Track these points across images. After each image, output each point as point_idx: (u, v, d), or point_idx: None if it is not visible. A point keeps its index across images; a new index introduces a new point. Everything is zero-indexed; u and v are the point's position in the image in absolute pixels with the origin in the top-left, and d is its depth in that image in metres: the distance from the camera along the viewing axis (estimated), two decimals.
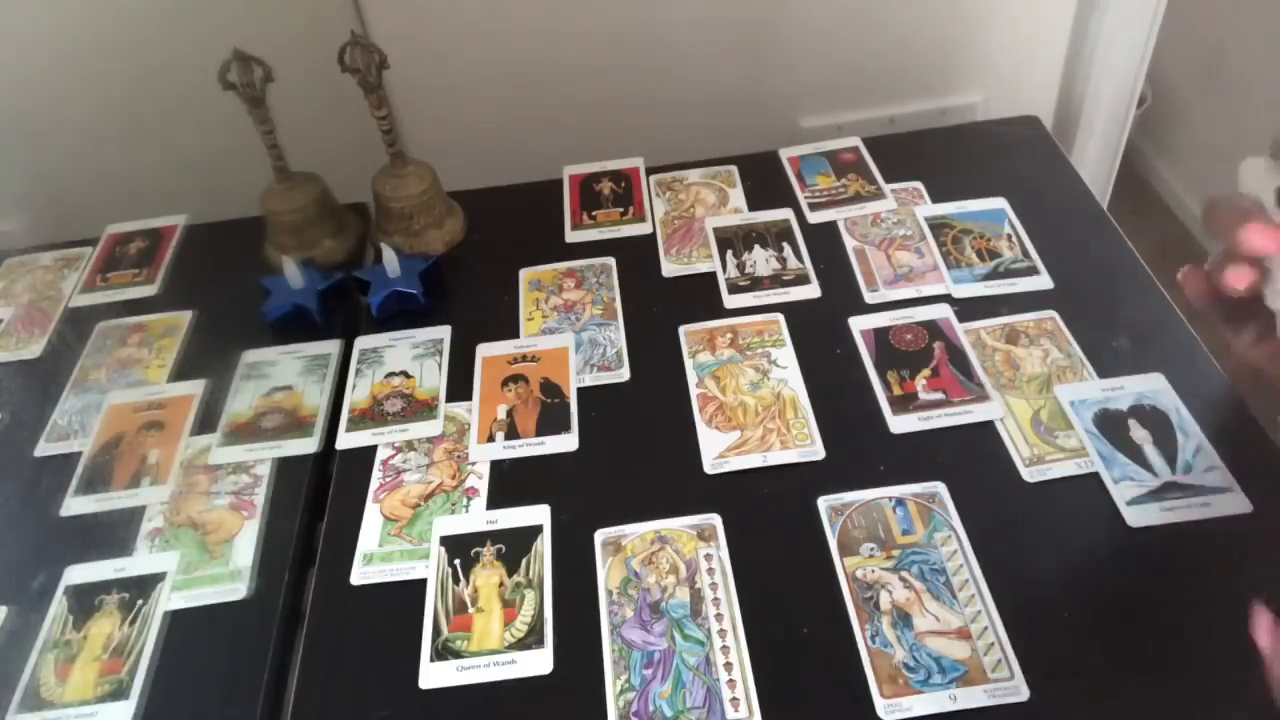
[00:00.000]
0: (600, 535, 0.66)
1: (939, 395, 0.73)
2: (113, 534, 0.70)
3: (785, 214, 0.91)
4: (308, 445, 0.75)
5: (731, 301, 0.83)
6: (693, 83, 1.04)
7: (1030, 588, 0.61)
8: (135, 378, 0.83)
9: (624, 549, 0.65)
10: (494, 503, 0.70)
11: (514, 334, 0.83)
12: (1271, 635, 0.51)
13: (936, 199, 0.91)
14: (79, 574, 0.67)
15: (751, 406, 0.74)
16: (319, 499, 0.73)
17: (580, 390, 0.77)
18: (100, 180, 1.02)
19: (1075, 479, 0.66)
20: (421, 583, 0.65)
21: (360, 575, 0.66)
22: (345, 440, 0.75)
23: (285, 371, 0.81)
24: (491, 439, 0.74)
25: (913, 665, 0.57)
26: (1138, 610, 0.59)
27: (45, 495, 0.73)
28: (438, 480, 0.72)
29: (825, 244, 0.88)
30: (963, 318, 0.79)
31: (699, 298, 0.84)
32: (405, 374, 0.80)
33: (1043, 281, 0.81)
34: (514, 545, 0.66)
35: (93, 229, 0.99)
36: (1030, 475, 0.67)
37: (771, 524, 0.66)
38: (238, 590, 0.66)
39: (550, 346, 0.81)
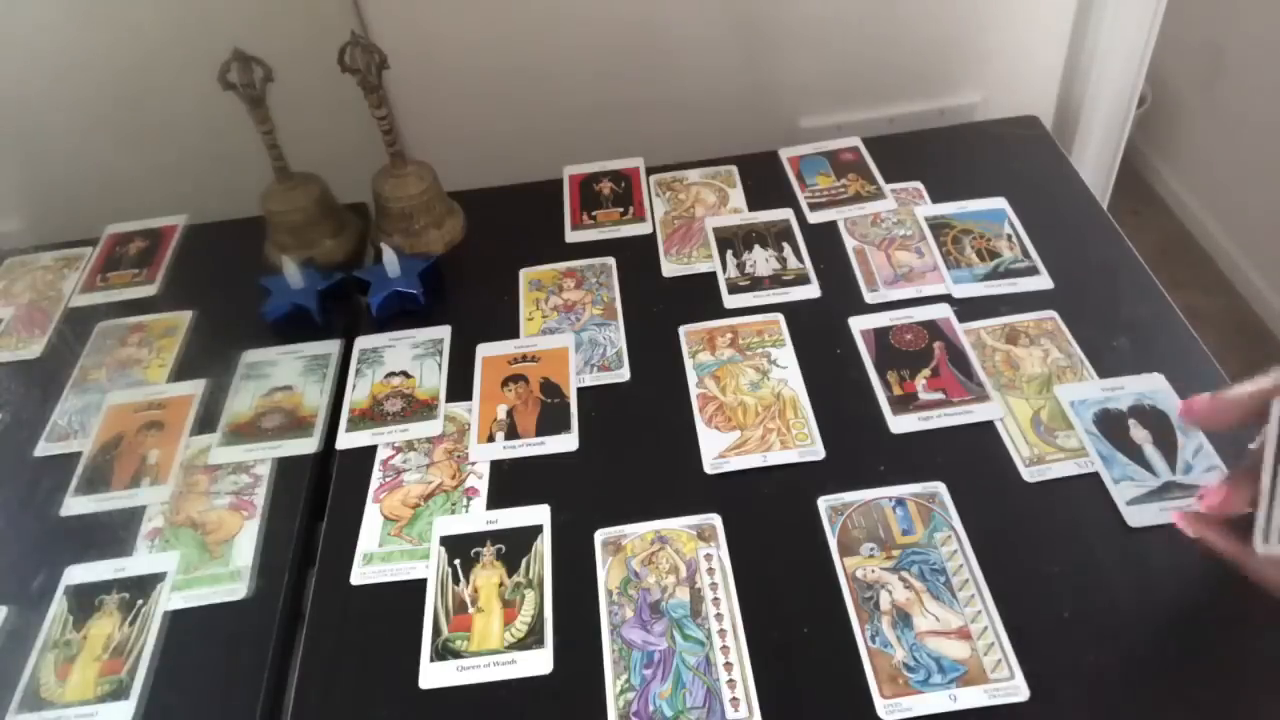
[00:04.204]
0: (600, 535, 0.66)
1: (939, 395, 0.73)
2: (113, 534, 0.70)
3: (785, 214, 0.91)
4: (308, 445, 0.75)
5: (731, 301, 0.83)
6: (693, 83, 1.04)
7: (1030, 588, 0.61)
8: (135, 378, 0.83)
9: (624, 549, 0.65)
10: (494, 503, 0.70)
11: (514, 334, 0.83)
12: (1191, 522, 0.53)
13: (936, 199, 0.91)
14: (79, 574, 0.67)
15: (751, 406, 0.74)
16: (319, 499, 0.73)
17: (580, 390, 0.77)
18: (100, 180, 1.02)
19: (1075, 479, 0.66)
20: (421, 583, 0.65)
21: (360, 575, 0.66)
22: (345, 440, 0.75)
23: (285, 371, 0.81)
24: (491, 439, 0.74)
25: (913, 665, 0.57)
26: (1138, 610, 0.59)
27: (45, 495, 0.73)
28: (438, 480, 0.72)
29: (825, 244, 0.88)
30: (963, 318, 0.79)
31: (699, 298, 0.84)
32: (405, 374, 0.80)
33: (1043, 281, 0.81)
34: (514, 545, 0.66)
35: (93, 229, 0.99)
36: (1030, 475, 0.67)
37: (771, 524, 0.66)
38: (238, 590, 0.66)
39: (550, 346, 0.81)
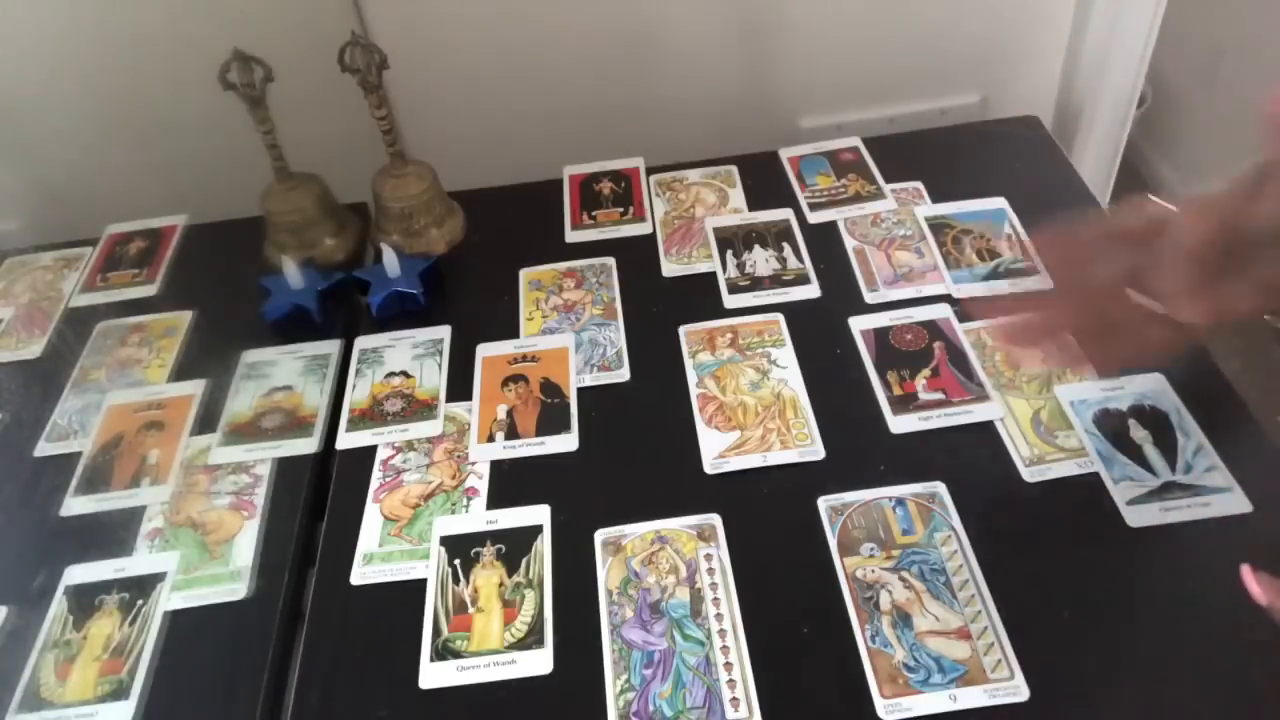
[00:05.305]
0: (600, 535, 0.66)
1: (939, 395, 0.73)
2: (113, 534, 0.70)
3: (785, 214, 0.91)
4: (308, 445, 0.75)
5: (731, 301, 0.83)
6: (693, 83, 1.04)
7: (1030, 588, 0.61)
8: (135, 378, 0.83)
9: (624, 549, 0.65)
10: (494, 503, 0.70)
11: (514, 334, 0.83)
12: (1265, 586, 0.52)
13: (936, 199, 0.91)
14: (79, 574, 0.67)
15: (751, 406, 0.74)
16: (319, 499, 0.73)
17: (580, 390, 0.77)
18: (100, 180, 1.02)
19: (1075, 479, 0.66)
20: (421, 583, 0.65)
21: (360, 575, 0.66)
22: (345, 440, 0.75)
23: (285, 371, 0.81)
24: (491, 439, 0.74)
25: (913, 665, 0.57)
26: (1137, 610, 0.59)
27: (45, 495, 0.73)
28: (438, 480, 0.72)
29: (825, 244, 0.88)
30: (963, 318, 0.79)
31: (699, 298, 0.84)
32: (405, 374, 0.80)
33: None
34: (514, 545, 0.66)
35: (93, 229, 0.99)
36: (1030, 475, 0.67)
37: (771, 524, 0.66)
38: (238, 590, 0.66)
39: (550, 346, 0.81)
